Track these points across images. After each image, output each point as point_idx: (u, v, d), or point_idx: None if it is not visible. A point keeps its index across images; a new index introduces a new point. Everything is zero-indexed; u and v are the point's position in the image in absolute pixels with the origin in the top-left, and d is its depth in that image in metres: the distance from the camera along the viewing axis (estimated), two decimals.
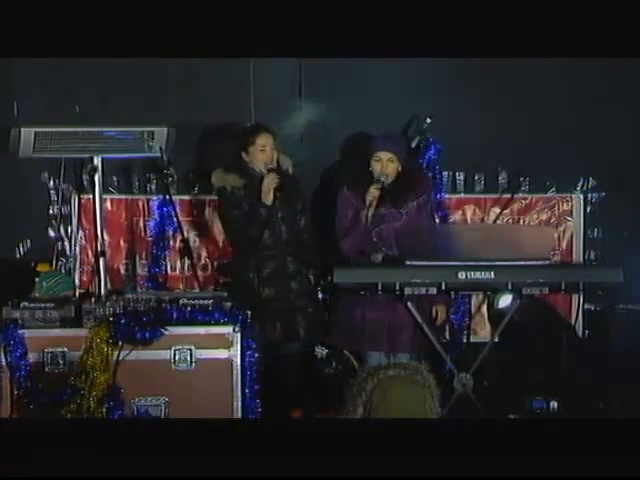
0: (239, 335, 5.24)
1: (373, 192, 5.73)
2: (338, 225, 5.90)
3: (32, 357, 5.19)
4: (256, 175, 5.86)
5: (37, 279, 5.70)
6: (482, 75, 6.62)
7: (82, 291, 5.90)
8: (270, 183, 5.77)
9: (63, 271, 6.52)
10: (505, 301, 5.77)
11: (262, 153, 5.84)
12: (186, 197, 6.76)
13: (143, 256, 6.77)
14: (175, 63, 6.37)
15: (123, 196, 6.78)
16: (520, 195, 6.83)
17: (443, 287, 5.50)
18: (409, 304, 5.57)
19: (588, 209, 6.87)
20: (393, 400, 3.19)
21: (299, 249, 5.94)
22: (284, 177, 5.92)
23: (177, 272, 6.80)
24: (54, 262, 6.59)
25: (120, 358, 5.15)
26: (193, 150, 6.62)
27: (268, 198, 5.78)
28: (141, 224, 6.79)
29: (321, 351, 6.11)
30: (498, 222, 6.77)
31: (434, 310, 5.89)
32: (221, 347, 5.25)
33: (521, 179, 6.79)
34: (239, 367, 5.23)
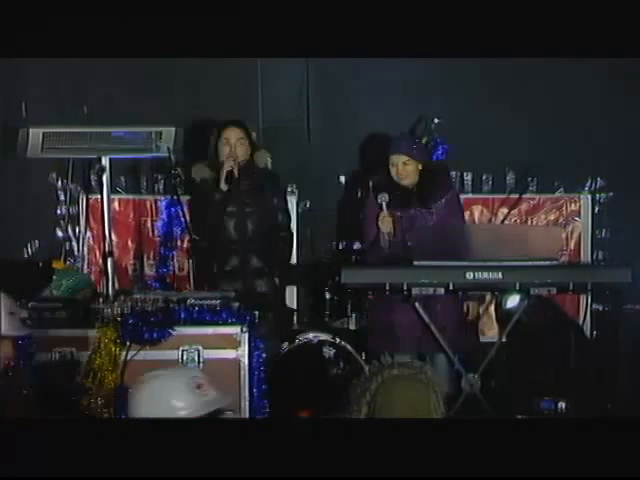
0: (247, 335, 5.23)
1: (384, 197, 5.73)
2: (366, 234, 5.90)
3: (40, 357, 5.19)
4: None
5: (55, 277, 5.72)
6: (490, 75, 6.62)
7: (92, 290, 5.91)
8: (224, 169, 5.84)
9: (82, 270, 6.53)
10: (513, 301, 5.76)
11: (226, 146, 5.93)
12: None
13: (151, 256, 6.79)
14: (183, 63, 6.38)
15: (131, 196, 6.80)
16: (528, 195, 6.83)
17: (451, 287, 5.50)
18: (417, 304, 5.57)
19: (596, 209, 6.86)
20: (397, 399, 3.18)
21: (266, 246, 5.95)
22: (257, 172, 5.95)
23: (185, 272, 6.81)
24: (61, 261, 6.61)
25: (128, 358, 5.16)
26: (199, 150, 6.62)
27: (222, 184, 5.84)
28: (149, 224, 6.81)
29: (328, 351, 6.12)
30: (506, 222, 6.77)
31: (465, 305, 5.87)
32: (229, 347, 5.25)
33: (529, 179, 6.78)
34: (247, 367, 5.23)
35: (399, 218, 5.77)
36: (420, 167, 5.82)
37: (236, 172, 5.86)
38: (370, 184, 5.95)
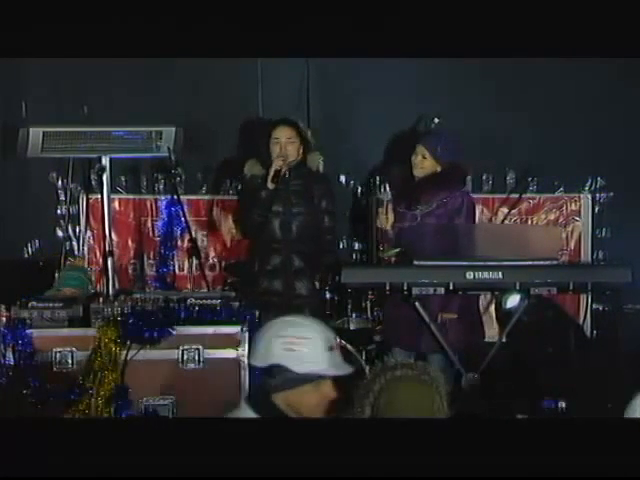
0: (247, 335, 5.24)
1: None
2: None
3: (40, 357, 5.19)
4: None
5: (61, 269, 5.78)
6: (490, 75, 6.62)
7: (91, 291, 5.91)
8: (272, 167, 5.81)
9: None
10: (513, 301, 5.76)
11: (276, 145, 5.88)
12: (194, 197, 6.78)
13: (151, 256, 6.79)
14: (183, 63, 6.38)
15: (131, 196, 6.81)
16: (528, 195, 6.83)
17: (451, 287, 5.50)
18: (417, 304, 5.56)
19: (596, 209, 6.86)
20: (400, 400, 3.18)
21: (309, 248, 5.92)
22: (308, 174, 5.93)
23: (185, 272, 6.82)
24: (62, 262, 6.61)
25: (128, 358, 5.16)
26: (201, 149, 6.63)
27: (269, 182, 5.81)
28: (149, 224, 6.81)
29: None
30: (506, 222, 6.77)
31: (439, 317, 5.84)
32: (229, 347, 5.25)
33: (529, 179, 6.78)
34: (247, 367, 5.23)
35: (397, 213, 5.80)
36: (438, 169, 5.80)
37: (285, 172, 5.84)
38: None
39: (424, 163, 5.78)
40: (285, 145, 5.86)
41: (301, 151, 5.93)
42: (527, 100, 6.70)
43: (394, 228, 5.81)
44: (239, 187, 6.45)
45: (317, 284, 5.99)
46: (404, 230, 5.80)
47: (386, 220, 5.79)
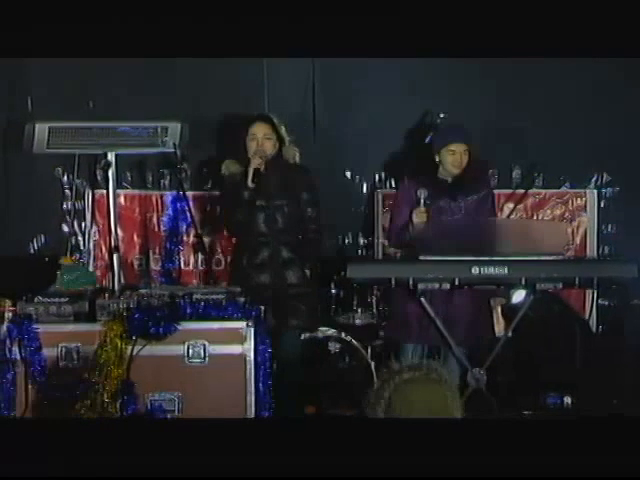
0: (253, 330, 5.23)
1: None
2: (394, 219, 5.90)
3: (46, 352, 5.19)
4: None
5: (59, 272, 5.73)
6: (496, 72, 6.62)
7: (97, 286, 5.92)
8: (251, 166, 5.81)
9: (86, 266, 6.52)
10: (519, 296, 5.76)
11: (253, 142, 5.88)
12: (200, 192, 6.78)
13: (157, 251, 6.79)
14: (190, 62, 6.38)
15: (137, 191, 6.81)
16: (534, 190, 6.82)
17: (457, 282, 5.49)
18: (422, 299, 5.56)
19: (602, 204, 6.86)
20: (414, 403, 3.15)
21: (296, 239, 5.93)
22: (286, 166, 5.93)
23: (190, 267, 6.82)
24: (68, 257, 6.61)
25: (134, 353, 5.16)
26: (207, 145, 6.63)
27: (249, 181, 5.81)
28: (155, 219, 6.82)
29: (334, 346, 6.12)
30: (512, 217, 6.76)
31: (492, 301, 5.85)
32: (234, 342, 5.25)
33: (535, 174, 6.77)
34: (252, 362, 5.23)
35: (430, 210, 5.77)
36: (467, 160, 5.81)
37: (263, 169, 5.84)
38: (407, 176, 5.91)
39: (465, 158, 5.74)
40: (262, 142, 5.87)
41: (277, 146, 5.94)
42: (533, 96, 6.70)
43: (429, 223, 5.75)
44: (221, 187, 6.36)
45: (307, 272, 5.98)
46: (434, 224, 5.75)
47: (424, 217, 5.71)
